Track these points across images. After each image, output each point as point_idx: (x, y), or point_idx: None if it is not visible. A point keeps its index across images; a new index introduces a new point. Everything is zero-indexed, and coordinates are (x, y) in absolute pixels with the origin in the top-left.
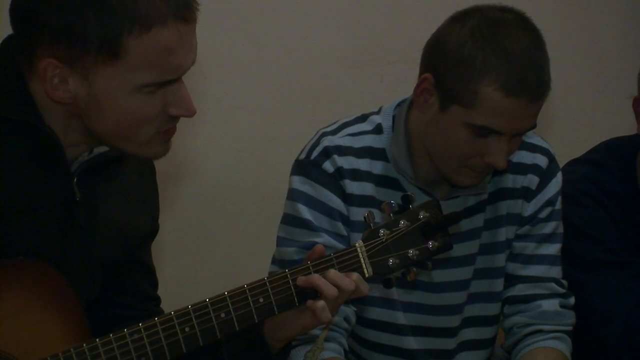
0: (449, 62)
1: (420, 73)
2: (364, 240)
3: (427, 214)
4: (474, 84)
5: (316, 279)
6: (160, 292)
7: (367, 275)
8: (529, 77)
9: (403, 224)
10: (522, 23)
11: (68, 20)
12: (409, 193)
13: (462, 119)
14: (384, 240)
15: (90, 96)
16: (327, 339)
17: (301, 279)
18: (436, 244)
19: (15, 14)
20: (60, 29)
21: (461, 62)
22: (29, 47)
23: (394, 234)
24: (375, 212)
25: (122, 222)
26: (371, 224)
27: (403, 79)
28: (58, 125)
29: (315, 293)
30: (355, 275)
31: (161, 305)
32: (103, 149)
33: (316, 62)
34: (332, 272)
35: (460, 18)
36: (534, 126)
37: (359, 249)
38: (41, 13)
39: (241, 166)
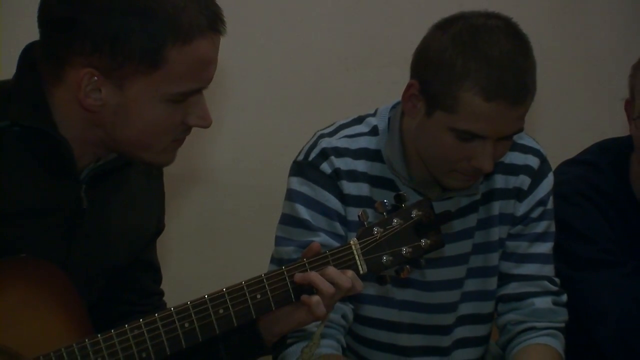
0: (431, 69)
1: (410, 79)
2: (358, 238)
3: (420, 213)
4: (455, 89)
5: (313, 275)
6: (165, 290)
7: (361, 272)
8: (508, 81)
9: (396, 222)
10: (505, 29)
11: (113, 29)
12: (401, 192)
13: (446, 124)
14: (377, 238)
15: (120, 105)
16: (325, 336)
17: (298, 276)
18: (429, 241)
19: (51, 21)
20: (104, 38)
21: (442, 68)
22: (63, 56)
23: (387, 232)
24: (370, 211)
25: (128, 228)
26: (365, 223)
27: (399, 81)
28: (73, 134)
29: (312, 289)
30: (350, 273)
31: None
32: (111, 155)
33: (315, 66)
34: (331, 269)
35: (443, 25)
36: (520, 129)
37: (353, 247)
38: (84, 22)
39: (242, 167)
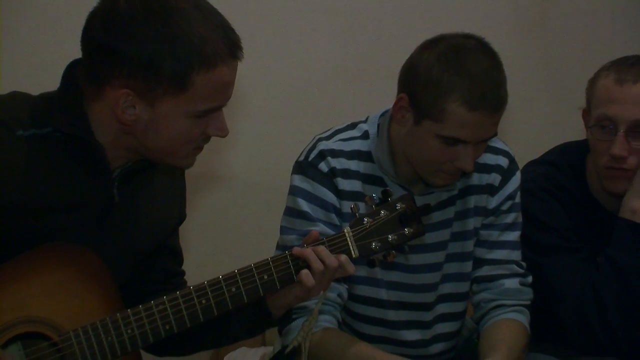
0: (420, 84)
1: (398, 92)
2: (350, 227)
3: (403, 205)
4: (442, 102)
5: (307, 252)
6: (186, 271)
7: (354, 256)
8: (487, 94)
9: (383, 213)
10: (481, 47)
11: (146, 58)
12: (387, 188)
13: (433, 131)
14: (367, 227)
15: (151, 119)
16: (323, 312)
17: (296, 249)
18: (411, 230)
19: (94, 48)
20: (139, 65)
21: (430, 83)
22: (103, 77)
23: (375, 221)
24: (360, 204)
25: (153, 219)
26: (356, 214)
27: (387, 92)
28: (107, 140)
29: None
30: (343, 257)
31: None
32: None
33: (314, 79)
34: (321, 247)
35: (428, 45)
36: (495, 134)
37: (346, 234)
38: (122, 50)
39: (251, 167)
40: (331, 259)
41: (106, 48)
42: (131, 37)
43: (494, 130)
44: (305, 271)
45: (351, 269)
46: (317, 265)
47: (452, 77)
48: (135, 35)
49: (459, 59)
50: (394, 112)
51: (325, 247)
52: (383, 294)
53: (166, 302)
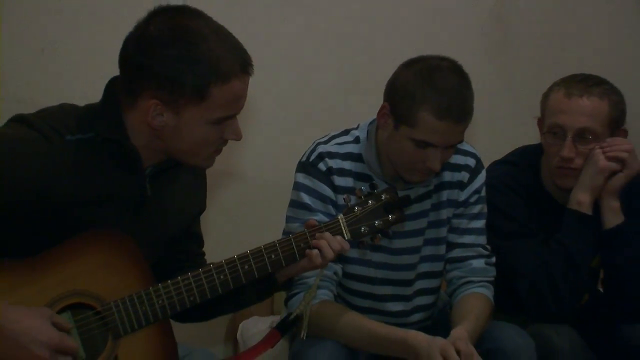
0: (398, 95)
1: (383, 102)
2: (343, 214)
3: (388, 196)
4: (415, 111)
5: (323, 243)
6: (207, 252)
7: (346, 239)
8: (453, 106)
9: (371, 203)
10: (453, 68)
11: (171, 73)
12: (374, 182)
13: (408, 136)
14: (357, 214)
15: (177, 125)
16: (321, 287)
17: (314, 242)
18: (394, 217)
19: (128, 65)
20: (165, 79)
21: (407, 95)
22: (136, 90)
23: (364, 209)
24: (352, 197)
25: (180, 209)
26: (348, 204)
27: (376, 104)
28: (141, 143)
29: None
30: (339, 238)
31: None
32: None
33: (315, 92)
34: (327, 234)
35: (409, 64)
36: (461, 140)
37: (340, 220)
38: (152, 68)
39: (261, 167)
40: (335, 243)
41: (138, 66)
42: (159, 57)
43: (460, 137)
44: (315, 252)
45: (346, 246)
46: (327, 250)
47: (425, 90)
48: (163, 55)
49: (432, 77)
50: (378, 118)
51: (324, 231)
52: (372, 272)
53: (190, 277)
